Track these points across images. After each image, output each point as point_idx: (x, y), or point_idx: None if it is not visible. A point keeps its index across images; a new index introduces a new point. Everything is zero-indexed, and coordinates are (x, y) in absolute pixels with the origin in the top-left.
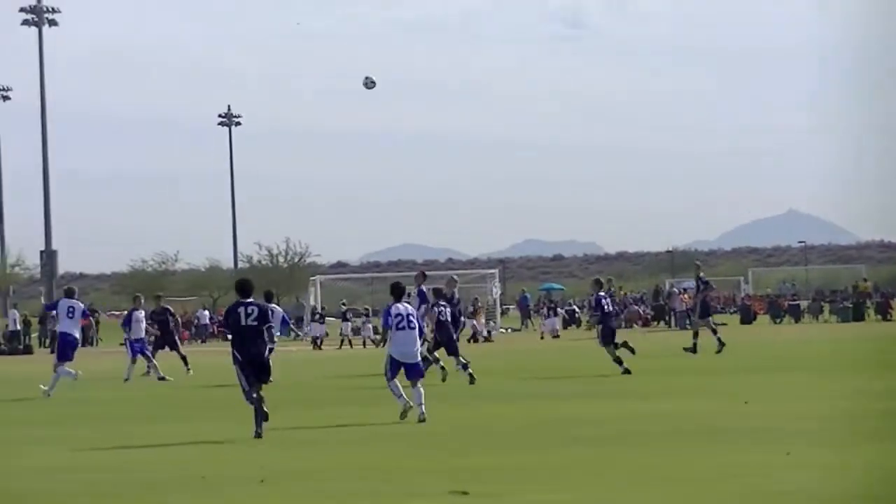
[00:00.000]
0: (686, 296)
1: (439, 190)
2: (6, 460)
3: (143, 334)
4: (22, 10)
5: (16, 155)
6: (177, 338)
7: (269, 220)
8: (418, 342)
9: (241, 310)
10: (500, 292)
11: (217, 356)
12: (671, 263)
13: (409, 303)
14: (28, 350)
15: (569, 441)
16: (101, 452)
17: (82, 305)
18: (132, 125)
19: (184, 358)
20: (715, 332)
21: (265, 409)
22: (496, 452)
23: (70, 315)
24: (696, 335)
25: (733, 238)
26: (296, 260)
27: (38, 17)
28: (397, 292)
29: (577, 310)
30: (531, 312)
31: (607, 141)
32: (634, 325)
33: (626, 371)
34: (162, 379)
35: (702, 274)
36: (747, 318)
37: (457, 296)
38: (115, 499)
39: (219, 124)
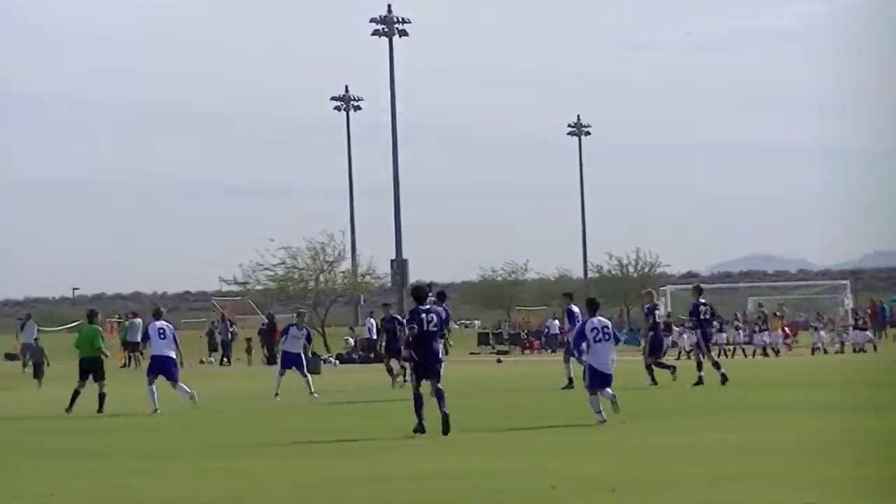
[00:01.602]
0: None
1: (791, 199)
2: (375, 468)
3: (299, 349)
4: (372, 20)
5: (367, 164)
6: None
7: (620, 230)
8: (614, 353)
9: (424, 316)
10: (851, 304)
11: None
12: None
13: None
14: (379, 359)
15: None
16: (448, 461)
17: (171, 327)
18: (480, 135)
19: (404, 369)
20: None
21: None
22: (841, 465)
23: (162, 336)
24: None
25: None
26: (645, 270)
27: (389, 28)
28: (593, 306)
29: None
30: (886, 324)
31: None
32: None
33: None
34: (312, 394)
35: None
36: None
37: (656, 308)
38: None
39: (568, 134)
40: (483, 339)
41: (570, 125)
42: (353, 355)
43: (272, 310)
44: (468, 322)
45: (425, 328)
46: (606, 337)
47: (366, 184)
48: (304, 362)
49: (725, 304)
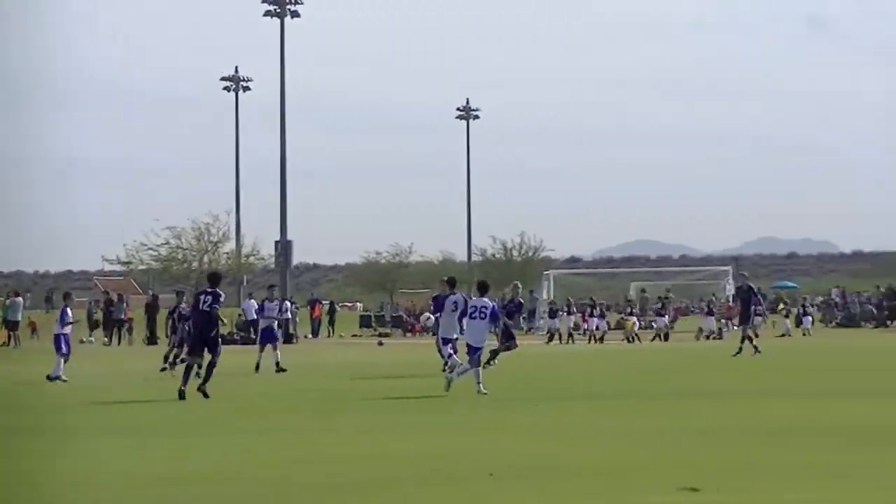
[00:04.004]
0: None
1: (674, 186)
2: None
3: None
4: (264, 0)
5: (255, 146)
6: None
7: (504, 214)
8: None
9: (202, 297)
10: (732, 290)
11: None
12: None
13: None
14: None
15: (813, 439)
16: (337, 447)
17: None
18: (368, 117)
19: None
20: None
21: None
22: (728, 450)
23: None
24: None
25: None
26: (530, 254)
27: (281, 9)
28: (483, 288)
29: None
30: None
31: (842, 140)
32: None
33: None
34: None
35: None
36: None
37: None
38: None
39: (457, 118)
40: (365, 321)
41: (458, 108)
42: (235, 336)
43: (155, 290)
44: (351, 304)
45: (199, 307)
46: (482, 316)
47: (253, 165)
48: (280, 337)
49: (608, 288)
